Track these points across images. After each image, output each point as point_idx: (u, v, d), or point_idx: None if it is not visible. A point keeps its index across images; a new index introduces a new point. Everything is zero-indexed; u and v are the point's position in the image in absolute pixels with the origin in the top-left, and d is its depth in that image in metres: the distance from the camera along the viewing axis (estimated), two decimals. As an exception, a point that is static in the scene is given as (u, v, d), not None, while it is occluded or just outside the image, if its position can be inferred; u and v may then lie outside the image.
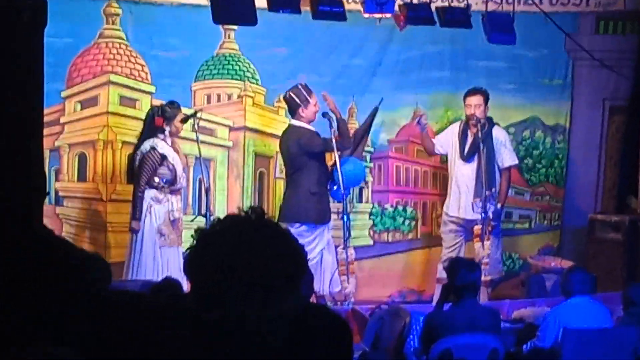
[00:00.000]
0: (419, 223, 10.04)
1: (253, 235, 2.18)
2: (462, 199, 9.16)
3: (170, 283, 5.98)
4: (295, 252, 2.21)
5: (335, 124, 8.47)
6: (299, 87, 8.57)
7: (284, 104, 8.95)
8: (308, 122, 8.54)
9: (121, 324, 2.46)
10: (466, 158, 9.13)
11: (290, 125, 8.64)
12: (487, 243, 8.81)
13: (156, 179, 8.23)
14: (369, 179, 9.83)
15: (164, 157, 8.22)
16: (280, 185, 9.26)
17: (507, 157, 9.23)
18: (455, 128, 9.33)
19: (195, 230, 2.28)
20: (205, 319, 2.19)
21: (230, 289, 2.13)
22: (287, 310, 2.20)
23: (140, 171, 8.19)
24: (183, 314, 2.44)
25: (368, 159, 9.82)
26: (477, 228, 8.91)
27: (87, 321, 2.32)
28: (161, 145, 8.24)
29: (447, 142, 9.35)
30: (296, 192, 8.57)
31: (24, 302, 2.24)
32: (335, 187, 8.50)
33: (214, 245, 2.18)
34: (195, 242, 2.24)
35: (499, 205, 9.09)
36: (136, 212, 8.16)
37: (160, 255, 8.17)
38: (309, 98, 8.50)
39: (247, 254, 2.15)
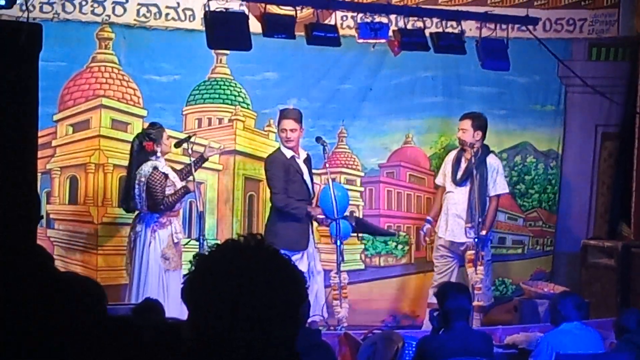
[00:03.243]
0: (413, 248, 10.02)
1: (254, 262, 2.16)
2: (450, 223, 9.15)
3: (149, 305, 5.87)
4: (296, 280, 2.19)
5: (328, 149, 8.52)
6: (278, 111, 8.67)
7: (274, 128, 9.04)
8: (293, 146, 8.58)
9: (118, 348, 2.45)
10: (458, 182, 9.14)
11: (277, 149, 8.72)
12: (480, 268, 8.80)
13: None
14: (360, 203, 9.81)
15: (166, 176, 8.20)
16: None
17: (499, 184, 9.22)
18: (450, 156, 9.37)
19: (194, 256, 2.25)
20: (202, 346, 2.16)
21: (230, 316, 2.11)
22: (288, 337, 2.18)
23: (148, 194, 8.10)
24: (175, 338, 2.41)
25: (359, 183, 9.83)
26: (469, 253, 8.90)
27: (85, 345, 2.30)
28: (161, 165, 8.23)
29: (443, 171, 9.39)
30: (271, 216, 8.69)
31: (18, 325, 2.22)
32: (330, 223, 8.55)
33: (214, 272, 2.16)
34: (194, 268, 2.21)
35: (483, 232, 8.94)
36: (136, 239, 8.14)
37: (164, 280, 8.10)
38: None
39: (249, 282, 2.13)
